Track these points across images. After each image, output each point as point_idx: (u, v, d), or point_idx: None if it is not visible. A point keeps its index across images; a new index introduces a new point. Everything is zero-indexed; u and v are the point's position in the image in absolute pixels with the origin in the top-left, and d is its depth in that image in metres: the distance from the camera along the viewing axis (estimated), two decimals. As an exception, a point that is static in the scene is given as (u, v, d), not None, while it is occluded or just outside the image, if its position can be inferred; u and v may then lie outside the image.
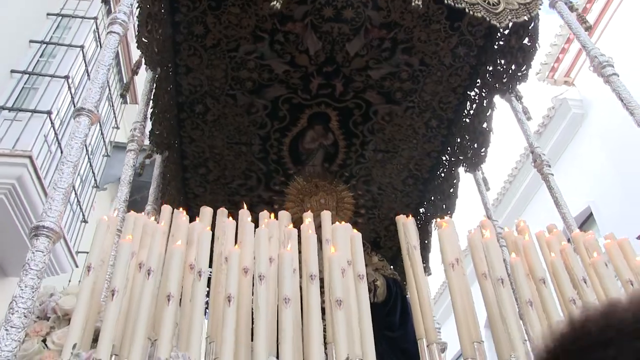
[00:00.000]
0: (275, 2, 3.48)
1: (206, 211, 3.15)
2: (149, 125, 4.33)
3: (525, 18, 3.94)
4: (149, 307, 2.38)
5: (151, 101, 4.25)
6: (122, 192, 3.51)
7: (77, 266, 7.35)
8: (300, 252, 2.84)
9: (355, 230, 2.97)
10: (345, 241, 2.87)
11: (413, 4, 3.63)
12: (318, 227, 3.29)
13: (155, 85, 4.24)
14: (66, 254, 6.97)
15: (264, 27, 4.53)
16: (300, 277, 2.69)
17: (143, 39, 3.95)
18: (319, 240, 2.97)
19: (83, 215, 7.60)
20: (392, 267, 5.79)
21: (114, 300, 2.33)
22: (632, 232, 8.33)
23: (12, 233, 6.24)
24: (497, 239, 4.00)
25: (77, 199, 7.35)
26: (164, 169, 4.69)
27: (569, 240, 3.28)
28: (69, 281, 7.74)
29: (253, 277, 2.54)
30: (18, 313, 2.06)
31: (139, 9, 3.82)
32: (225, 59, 4.71)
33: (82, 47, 7.33)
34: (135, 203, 8.98)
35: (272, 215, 3.25)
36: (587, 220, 10.23)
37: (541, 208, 9.29)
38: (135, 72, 4.29)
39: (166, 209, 3.15)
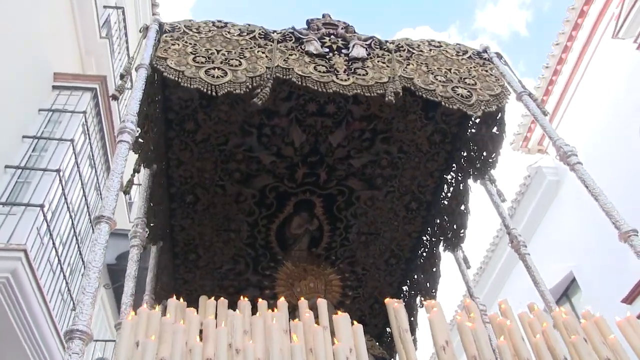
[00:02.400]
0: (258, 101, 3.80)
1: (209, 303, 3.33)
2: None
3: (498, 106, 4.29)
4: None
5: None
6: (128, 287, 3.59)
7: (66, 354, 7.29)
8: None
9: (357, 323, 3.15)
10: (346, 331, 3.05)
11: (386, 98, 3.97)
12: (310, 309, 3.51)
13: (151, 180, 4.46)
14: (56, 342, 6.92)
15: (252, 122, 4.84)
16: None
17: (140, 139, 4.19)
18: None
19: (73, 302, 7.62)
20: (377, 343, 5.93)
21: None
22: (616, 295, 8.59)
23: (4, 326, 6.22)
24: (481, 318, 4.23)
25: (68, 286, 7.41)
26: (158, 257, 4.85)
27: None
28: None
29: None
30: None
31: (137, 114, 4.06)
32: (215, 152, 4.98)
33: (72, 140, 7.58)
34: (119, 289, 9.02)
35: (265, 303, 3.41)
36: (570, 285, 10.47)
37: (520, 283, 9.52)
38: (137, 170, 4.51)
39: (173, 303, 3.32)
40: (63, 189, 7.21)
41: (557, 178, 10.86)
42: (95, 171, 8.33)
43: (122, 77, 3.93)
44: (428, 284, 5.66)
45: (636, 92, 9.20)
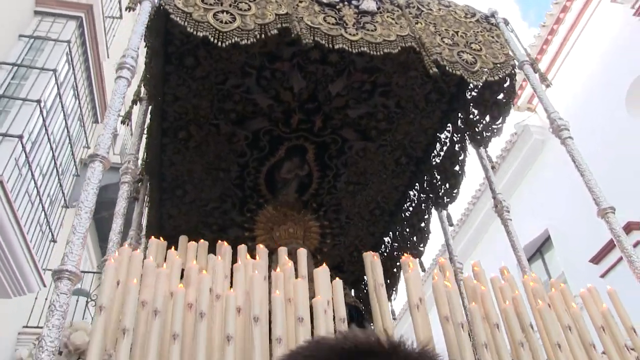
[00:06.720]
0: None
1: (190, 245, 3.38)
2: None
3: (500, 76, 4.28)
4: (157, 345, 2.58)
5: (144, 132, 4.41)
6: (117, 224, 3.58)
7: (45, 285, 7.17)
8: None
9: (337, 279, 3.23)
10: (325, 284, 3.14)
11: (431, 72, 3.95)
12: (288, 255, 3.59)
13: (150, 117, 4.40)
14: (34, 273, 6.86)
15: (253, 63, 4.75)
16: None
17: (148, 75, 4.10)
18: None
19: (52, 234, 7.55)
20: (352, 290, 6.10)
21: (125, 339, 2.52)
22: (586, 254, 8.98)
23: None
24: (455, 275, 4.40)
25: (47, 218, 7.32)
26: (148, 192, 4.84)
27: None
28: (35, 299, 7.66)
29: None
30: (47, 352, 2.25)
31: (145, 47, 3.96)
32: (212, 91, 4.88)
33: (54, 70, 7.27)
34: (102, 220, 8.95)
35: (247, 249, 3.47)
36: (545, 243, 10.81)
37: (498, 238, 9.82)
38: (135, 102, 4.42)
39: (154, 243, 3.37)
40: (44, 120, 6.99)
41: (543, 137, 10.99)
42: (79, 102, 8.07)
43: None
44: (415, 238, 5.77)
45: (627, 59, 9.24)
